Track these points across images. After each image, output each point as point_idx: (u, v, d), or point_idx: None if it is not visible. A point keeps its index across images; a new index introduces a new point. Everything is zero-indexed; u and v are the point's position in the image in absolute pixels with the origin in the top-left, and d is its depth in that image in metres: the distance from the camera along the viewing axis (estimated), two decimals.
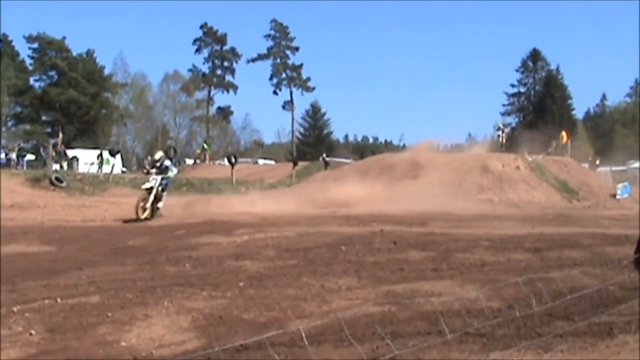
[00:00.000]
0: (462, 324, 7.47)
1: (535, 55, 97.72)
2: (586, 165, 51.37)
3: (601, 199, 37.96)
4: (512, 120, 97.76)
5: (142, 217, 22.13)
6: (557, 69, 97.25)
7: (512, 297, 8.34)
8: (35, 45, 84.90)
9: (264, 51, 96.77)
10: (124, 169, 56.94)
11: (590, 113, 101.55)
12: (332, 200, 27.59)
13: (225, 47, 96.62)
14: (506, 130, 46.24)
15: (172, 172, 24.28)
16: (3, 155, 51.73)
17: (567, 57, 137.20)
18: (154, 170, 23.64)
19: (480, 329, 7.31)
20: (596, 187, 41.10)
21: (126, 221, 22.01)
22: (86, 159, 52.10)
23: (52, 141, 50.32)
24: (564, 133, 51.56)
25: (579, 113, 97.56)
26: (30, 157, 51.13)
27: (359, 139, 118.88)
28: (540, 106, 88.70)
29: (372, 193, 29.59)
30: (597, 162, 54.62)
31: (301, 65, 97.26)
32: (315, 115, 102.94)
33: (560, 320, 8.21)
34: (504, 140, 46.94)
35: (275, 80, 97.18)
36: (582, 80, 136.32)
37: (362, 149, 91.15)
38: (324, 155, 61.95)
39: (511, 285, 8.75)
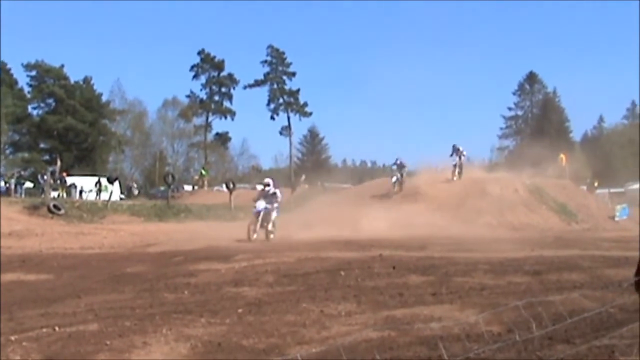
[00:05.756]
0: (462, 349, 7.43)
1: (532, 78, 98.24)
2: (584, 187, 51.39)
3: (600, 221, 38.03)
4: (510, 143, 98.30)
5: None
6: (554, 92, 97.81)
7: (512, 321, 8.31)
8: (34, 73, 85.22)
9: (261, 77, 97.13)
10: (122, 196, 56.89)
11: (588, 135, 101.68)
12: (333, 226, 27.59)
13: (223, 73, 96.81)
14: (464, 154, 42.10)
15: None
16: (2, 183, 51.77)
17: (564, 79, 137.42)
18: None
19: (481, 354, 7.26)
20: (595, 209, 41.16)
21: None
22: (85, 186, 52.13)
23: (50, 169, 50.43)
24: (562, 156, 51.64)
25: (576, 135, 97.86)
26: (28, 184, 51.11)
27: (357, 163, 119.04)
28: (538, 129, 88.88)
29: (371, 217, 29.58)
30: (595, 184, 54.64)
31: (298, 90, 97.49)
32: (313, 140, 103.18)
33: (561, 343, 8.16)
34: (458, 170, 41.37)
35: (272, 106, 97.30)
36: (580, 102, 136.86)
37: (361, 174, 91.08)
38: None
39: (511, 309, 8.72)
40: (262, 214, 24.80)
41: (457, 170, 40.76)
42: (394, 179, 40.05)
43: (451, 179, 40.53)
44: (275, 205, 25.50)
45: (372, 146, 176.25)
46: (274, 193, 25.87)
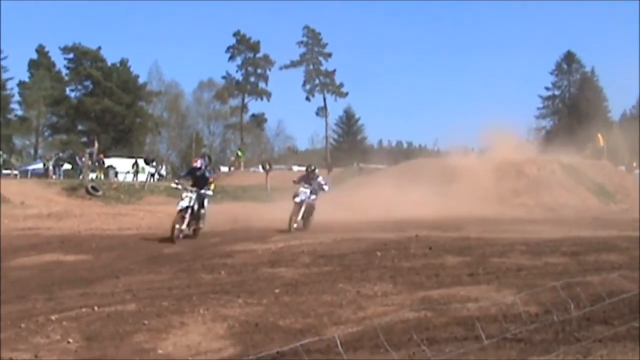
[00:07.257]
0: (499, 329, 7.40)
1: (569, 57, 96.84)
2: (623, 167, 50.76)
3: (639, 201, 37.54)
4: (547, 123, 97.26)
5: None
6: (592, 71, 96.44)
7: (549, 302, 8.24)
8: (71, 55, 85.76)
9: (297, 58, 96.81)
10: (159, 177, 57.14)
11: (627, 115, 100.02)
12: (368, 207, 27.51)
13: (259, 55, 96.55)
14: (324, 187, 22.70)
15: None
16: (41, 165, 52.28)
17: (602, 58, 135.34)
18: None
19: (518, 334, 7.23)
20: (633, 189, 40.67)
21: None
22: (122, 167, 52.49)
23: (88, 150, 50.90)
24: (599, 136, 51.07)
25: (615, 115, 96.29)
26: (66, 166, 51.56)
27: (393, 144, 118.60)
28: (575, 109, 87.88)
29: (407, 198, 29.42)
30: (634, 164, 53.91)
31: (334, 71, 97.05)
32: (348, 120, 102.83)
33: (599, 324, 8.09)
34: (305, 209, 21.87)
35: (308, 87, 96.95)
36: (618, 81, 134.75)
37: (397, 155, 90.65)
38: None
39: (548, 290, 8.66)
40: None
41: (302, 209, 21.47)
42: None
43: (287, 229, 20.70)
44: None
45: (408, 127, 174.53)
46: None
